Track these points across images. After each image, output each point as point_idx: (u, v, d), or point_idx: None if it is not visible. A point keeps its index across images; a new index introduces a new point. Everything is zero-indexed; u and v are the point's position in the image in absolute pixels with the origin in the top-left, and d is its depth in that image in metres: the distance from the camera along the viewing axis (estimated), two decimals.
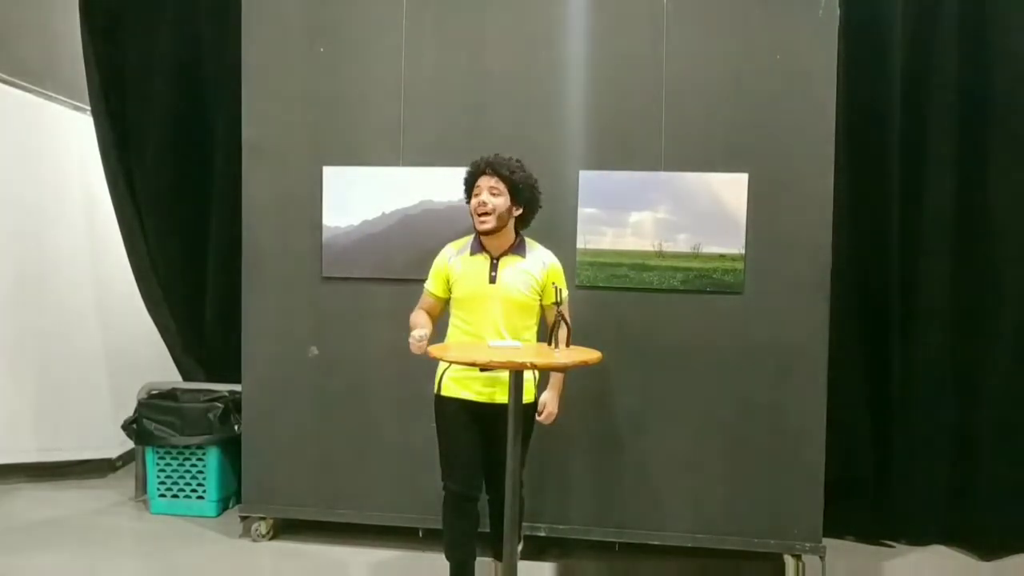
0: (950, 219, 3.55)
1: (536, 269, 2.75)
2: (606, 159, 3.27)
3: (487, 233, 2.69)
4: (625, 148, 3.26)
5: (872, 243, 3.60)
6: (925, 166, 3.57)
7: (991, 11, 3.46)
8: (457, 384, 2.72)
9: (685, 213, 3.22)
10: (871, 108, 3.57)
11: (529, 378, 2.73)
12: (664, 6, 3.21)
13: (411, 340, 2.57)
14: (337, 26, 3.41)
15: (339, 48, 3.41)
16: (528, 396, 2.73)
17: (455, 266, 2.77)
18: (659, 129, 3.22)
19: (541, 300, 2.77)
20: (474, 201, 2.69)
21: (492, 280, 2.70)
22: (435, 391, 2.78)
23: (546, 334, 2.78)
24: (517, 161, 2.72)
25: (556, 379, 2.83)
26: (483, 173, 2.69)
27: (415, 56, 3.36)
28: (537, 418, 2.79)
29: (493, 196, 2.66)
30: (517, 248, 2.76)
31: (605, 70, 3.27)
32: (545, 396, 2.80)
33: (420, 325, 2.70)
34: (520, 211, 2.74)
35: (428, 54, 3.36)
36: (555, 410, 2.80)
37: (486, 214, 2.65)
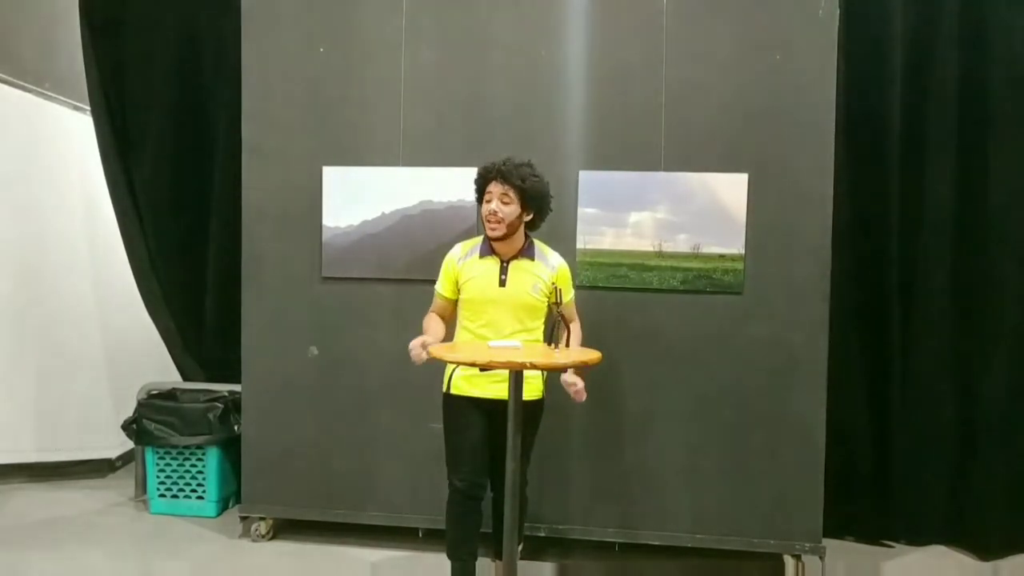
0: (950, 219, 3.55)
1: (545, 272, 2.76)
2: (606, 159, 3.27)
3: (497, 240, 2.69)
4: (625, 148, 3.26)
5: (872, 243, 3.60)
6: (925, 166, 3.57)
7: (991, 11, 3.46)
8: (468, 383, 2.73)
9: (685, 213, 3.22)
10: (871, 108, 3.57)
11: (536, 376, 2.74)
12: (664, 6, 3.21)
13: (412, 346, 2.55)
14: (337, 26, 3.41)
15: (339, 48, 3.41)
16: (536, 394, 2.74)
17: (465, 268, 2.77)
18: (659, 129, 3.22)
19: (548, 301, 2.78)
20: (485, 208, 2.68)
21: (502, 284, 2.71)
22: (444, 389, 2.79)
23: (548, 333, 2.78)
24: (529, 166, 2.69)
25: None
26: (494, 179, 2.67)
27: (415, 56, 3.36)
28: (572, 393, 2.68)
29: (504, 204, 2.66)
30: (527, 251, 2.77)
31: (605, 70, 3.27)
32: (569, 376, 2.69)
33: (431, 333, 2.70)
34: (530, 216, 2.74)
35: (428, 54, 3.36)
36: (582, 385, 2.69)
37: (497, 222, 2.66)
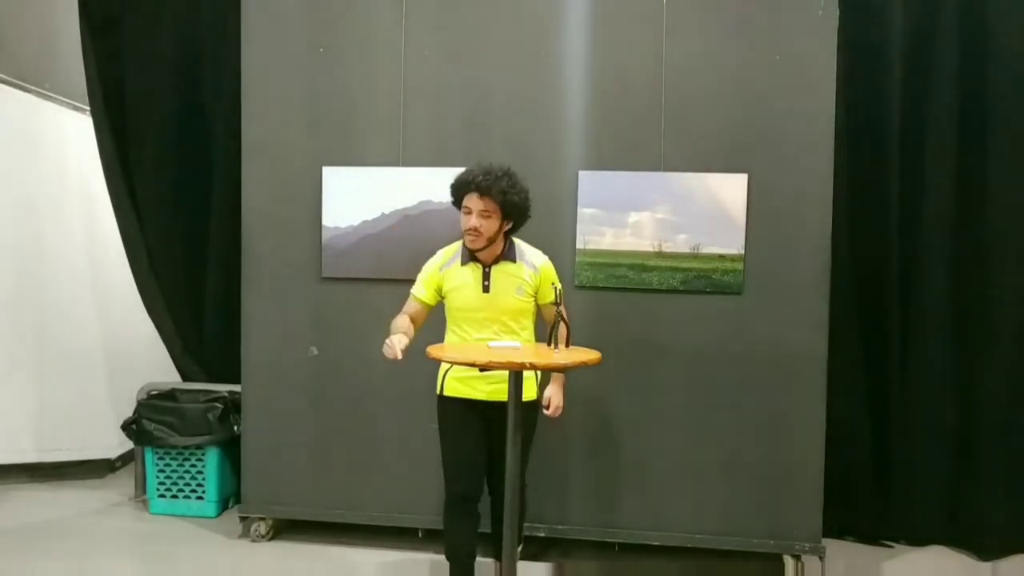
0: (950, 219, 3.55)
1: (527, 274, 2.74)
2: (606, 159, 3.27)
3: (478, 251, 2.68)
4: (625, 148, 3.26)
5: (872, 243, 3.60)
6: (925, 166, 3.57)
7: (991, 11, 3.46)
8: (460, 384, 2.72)
9: (685, 213, 3.22)
10: (871, 108, 3.57)
11: (531, 376, 2.74)
12: (664, 6, 3.21)
13: (387, 344, 2.51)
14: (337, 26, 3.41)
15: (339, 48, 3.41)
16: (530, 394, 2.73)
17: (447, 276, 2.75)
18: (659, 129, 3.22)
19: (536, 299, 2.77)
20: (465, 222, 2.65)
21: (486, 290, 2.69)
22: (437, 392, 2.78)
23: (544, 333, 2.78)
24: (508, 177, 2.62)
25: (558, 374, 2.83)
26: (474, 192, 2.62)
27: (415, 56, 3.36)
28: (544, 412, 2.78)
29: (483, 219, 2.61)
30: (507, 254, 2.74)
31: (605, 70, 3.27)
32: (549, 391, 2.79)
33: (401, 330, 2.63)
34: (510, 225, 2.70)
35: (428, 54, 3.36)
36: (560, 403, 2.78)
37: (476, 236, 2.63)
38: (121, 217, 4.28)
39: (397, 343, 2.51)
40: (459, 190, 2.68)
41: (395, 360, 2.49)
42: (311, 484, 3.51)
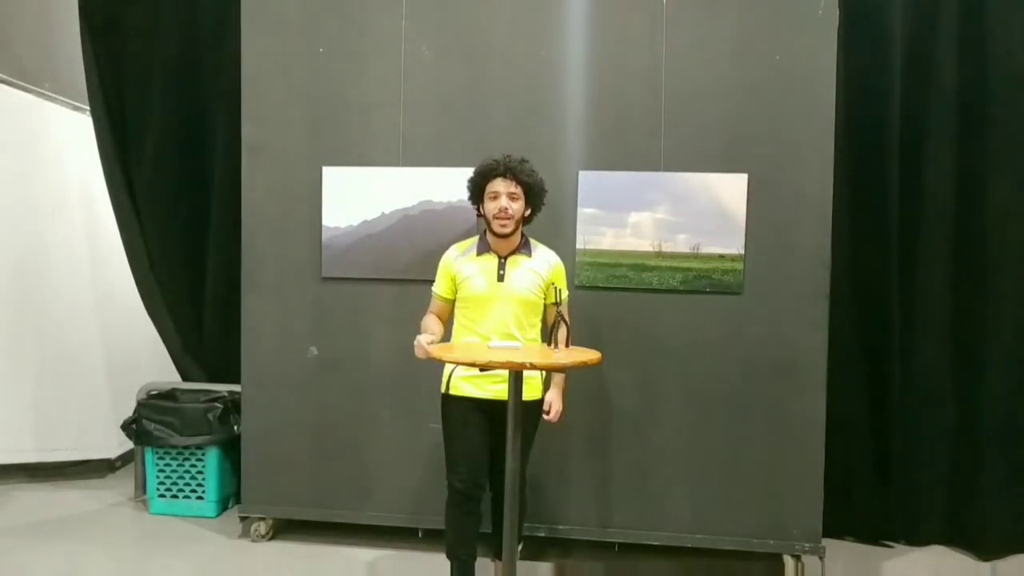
0: (950, 218, 3.55)
1: (542, 268, 2.77)
2: (606, 159, 3.27)
3: (503, 236, 2.70)
4: (625, 148, 3.26)
5: (872, 243, 3.60)
6: (924, 165, 3.56)
7: (991, 11, 3.46)
8: (467, 383, 2.73)
9: (684, 213, 3.22)
10: (871, 108, 3.57)
11: (536, 376, 2.75)
12: (664, 6, 3.21)
13: (418, 341, 2.55)
14: (337, 26, 3.41)
15: (339, 48, 3.41)
16: (535, 393, 2.75)
17: (462, 267, 2.78)
18: (659, 129, 3.22)
19: (544, 299, 2.78)
20: (493, 206, 2.68)
21: (501, 279, 2.72)
22: (443, 390, 2.79)
23: (546, 333, 2.79)
24: (527, 161, 2.73)
25: (559, 378, 2.84)
26: (501, 176, 2.68)
27: (415, 56, 3.36)
28: (544, 417, 2.80)
29: (513, 201, 2.68)
30: (523, 247, 2.78)
31: (605, 70, 3.27)
32: (550, 395, 2.82)
33: (430, 331, 2.71)
34: (528, 212, 2.76)
35: (428, 54, 3.36)
36: (560, 407, 2.81)
37: (507, 218, 2.67)
38: (121, 217, 4.28)
39: (425, 342, 2.54)
40: (484, 177, 2.72)
41: (427, 359, 2.52)
42: (311, 484, 3.51)
